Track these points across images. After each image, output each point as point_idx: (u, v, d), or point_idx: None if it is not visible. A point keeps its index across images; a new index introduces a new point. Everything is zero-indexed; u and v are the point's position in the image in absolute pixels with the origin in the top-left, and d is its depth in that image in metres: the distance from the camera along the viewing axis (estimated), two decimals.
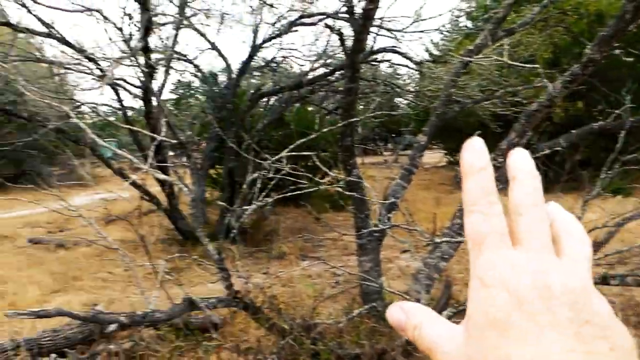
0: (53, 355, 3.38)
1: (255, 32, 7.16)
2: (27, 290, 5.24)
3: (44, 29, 5.61)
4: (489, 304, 0.31)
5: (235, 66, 7.60)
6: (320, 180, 5.86)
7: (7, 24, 5.32)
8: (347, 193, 3.43)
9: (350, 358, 3.00)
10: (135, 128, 4.61)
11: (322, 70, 6.62)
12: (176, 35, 6.98)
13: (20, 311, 2.70)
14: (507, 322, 0.30)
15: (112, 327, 2.93)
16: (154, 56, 6.06)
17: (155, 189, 7.53)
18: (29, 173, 18.11)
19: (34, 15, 5.48)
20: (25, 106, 6.77)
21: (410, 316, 0.36)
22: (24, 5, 5.24)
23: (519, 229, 0.34)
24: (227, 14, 7.40)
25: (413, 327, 0.35)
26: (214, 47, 7.78)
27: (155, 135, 3.71)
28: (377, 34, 5.60)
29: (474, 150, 0.35)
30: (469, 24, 9.75)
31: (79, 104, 7.47)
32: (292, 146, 2.95)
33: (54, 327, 3.63)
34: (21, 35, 5.90)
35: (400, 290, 3.68)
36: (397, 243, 7.27)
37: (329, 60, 6.64)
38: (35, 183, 17.20)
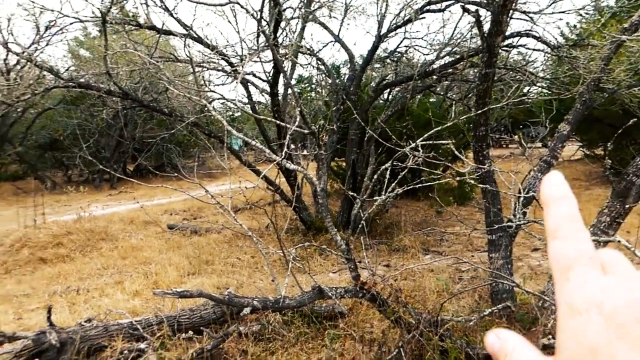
0: (190, 332, 3.62)
1: (381, 21, 7.08)
2: (167, 271, 5.70)
3: (183, 30, 6.05)
4: (583, 331, 0.28)
5: (358, 58, 7.58)
6: (443, 173, 5.64)
7: (152, 28, 5.82)
8: (479, 185, 3.23)
9: (481, 358, 2.83)
10: (268, 118, 4.78)
11: (448, 59, 6.34)
12: (303, 29, 7.16)
13: (167, 290, 2.91)
14: (607, 350, 0.27)
15: (246, 310, 3.05)
16: (281, 51, 6.25)
17: (278, 180, 7.79)
18: (167, 165, 19.87)
19: (176, 19, 5.93)
20: (165, 103, 7.39)
21: (503, 343, 0.34)
22: (167, 9, 5.68)
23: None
24: (351, 6, 7.42)
25: (504, 355, 0.34)
26: (337, 39, 7.85)
27: (288, 125, 3.79)
28: (511, 17, 5.18)
29: (553, 182, 0.36)
30: (612, 2, 8.76)
31: (212, 99, 7.97)
32: (427, 134, 2.83)
33: (191, 306, 3.89)
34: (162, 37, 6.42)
35: (536, 291, 3.41)
36: (526, 241, 6.81)
37: (455, 49, 6.35)
38: (173, 175, 18.68)
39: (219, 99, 9.25)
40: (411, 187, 3.41)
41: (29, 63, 5.86)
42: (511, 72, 6.51)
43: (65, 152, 18.29)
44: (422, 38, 9.04)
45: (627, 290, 0.29)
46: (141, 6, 5.47)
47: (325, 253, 6.41)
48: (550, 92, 6.61)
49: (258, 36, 6.32)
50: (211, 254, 6.57)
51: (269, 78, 6.63)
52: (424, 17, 6.37)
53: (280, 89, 7.13)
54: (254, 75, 7.75)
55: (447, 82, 8.11)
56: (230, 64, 6.55)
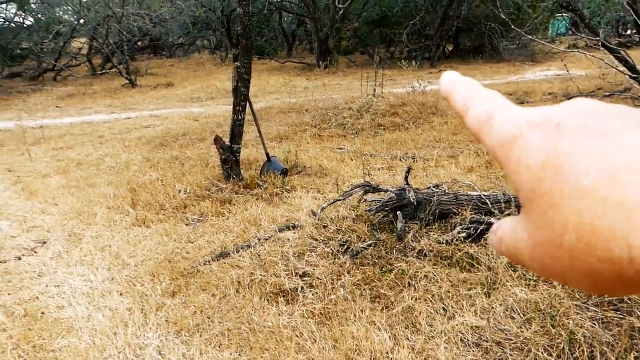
0: None
1: None
2: None
3: None
4: (527, 151, 0.25)
5: None
6: None
7: None
8: None
9: None
10: None
11: None
12: None
13: None
14: (560, 151, 0.24)
15: None
16: None
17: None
18: (487, 46, 19.03)
19: None
20: None
21: (497, 232, 0.29)
22: None
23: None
24: None
25: (500, 242, 0.29)
26: None
27: None
28: None
29: (448, 76, 0.33)
30: None
31: None
32: None
33: None
34: None
35: None
36: None
37: None
38: (492, 56, 17.79)
39: None
40: None
41: None
42: None
43: (392, 29, 19.23)
44: None
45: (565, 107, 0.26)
46: None
47: None
48: None
49: None
50: None
51: None
52: None
53: None
54: None
55: None
56: None
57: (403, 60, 11.98)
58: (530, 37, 10.96)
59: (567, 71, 7.54)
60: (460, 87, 0.32)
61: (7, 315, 2.81)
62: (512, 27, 7.86)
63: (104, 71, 17.58)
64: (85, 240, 3.80)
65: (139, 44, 24.72)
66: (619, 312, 2.42)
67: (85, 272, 3.30)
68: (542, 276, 0.27)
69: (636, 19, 6.59)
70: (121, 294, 3.01)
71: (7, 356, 2.44)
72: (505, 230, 0.29)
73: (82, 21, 17.72)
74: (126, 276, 3.22)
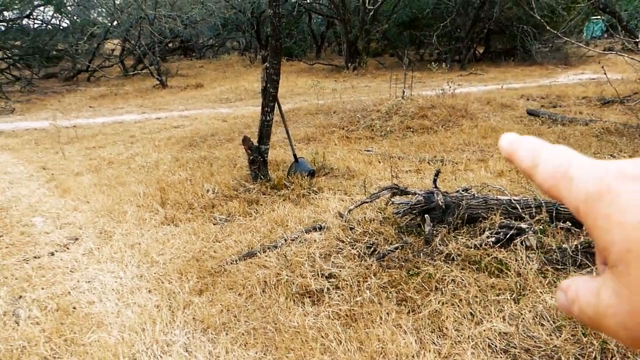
0: (568, 223, 3.39)
1: None
2: None
3: None
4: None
5: None
6: None
7: None
8: None
9: None
10: None
11: None
12: None
13: None
14: None
15: None
16: None
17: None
18: (519, 49, 18.69)
19: None
20: None
21: (568, 291, 0.28)
22: None
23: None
24: None
25: (572, 303, 0.27)
26: None
27: None
28: None
29: (508, 138, 0.31)
30: None
31: None
32: None
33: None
34: None
35: None
36: None
37: None
38: (524, 59, 17.54)
39: None
40: None
41: None
42: None
43: (422, 31, 19.08)
44: None
45: None
46: None
47: None
48: None
49: None
50: (578, 147, 5.96)
51: None
52: None
53: None
54: None
55: None
56: None
57: (432, 63, 11.87)
58: (566, 38, 10.75)
59: (604, 73, 7.33)
60: (524, 144, 0.31)
61: (40, 309, 2.88)
62: (547, 27, 7.67)
63: (136, 72, 17.95)
64: (115, 237, 3.88)
65: (170, 45, 25.15)
66: None
67: (115, 269, 3.37)
68: (632, 347, 0.25)
69: None
70: (149, 291, 3.06)
71: (39, 348, 2.50)
72: (582, 290, 0.27)
73: (115, 23, 18.12)
74: (154, 273, 3.27)
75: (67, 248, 3.74)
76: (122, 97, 13.34)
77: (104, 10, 19.40)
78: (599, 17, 21.28)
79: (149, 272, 3.29)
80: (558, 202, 3.54)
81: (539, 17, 7.93)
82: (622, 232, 0.23)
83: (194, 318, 2.74)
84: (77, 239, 3.90)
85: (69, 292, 3.07)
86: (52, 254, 3.64)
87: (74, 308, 2.89)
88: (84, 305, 2.92)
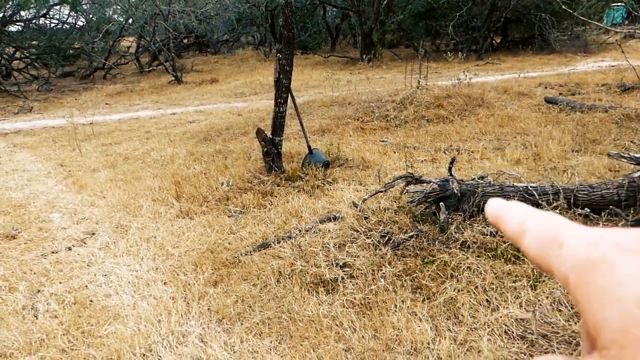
0: (586, 209, 3.32)
1: None
2: (548, 145, 5.37)
3: None
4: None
5: None
6: None
7: None
8: None
9: None
10: None
11: None
12: None
13: (623, 153, 2.74)
14: None
15: None
16: None
17: None
18: (537, 37, 18.36)
19: None
20: None
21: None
22: None
23: None
24: None
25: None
26: None
27: None
28: None
29: (494, 203, 0.30)
30: None
31: None
32: None
33: (592, 182, 3.54)
34: None
35: None
36: None
37: None
38: (542, 47, 17.21)
39: None
40: None
41: None
42: None
43: (437, 21, 18.87)
44: None
45: None
46: None
47: None
48: None
49: None
50: (598, 133, 5.84)
51: None
52: None
53: None
54: None
55: None
56: None
57: (448, 53, 11.73)
58: (584, 19, 10.52)
59: (626, 59, 7.15)
60: (512, 209, 0.29)
61: (58, 303, 2.92)
62: (568, 11, 7.48)
63: (151, 68, 18.08)
64: (131, 231, 3.91)
65: (185, 41, 25.27)
66: None
67: (131, 262, 3.39)
68: None
69: None
70: (165, 283, 3.08)
71: (57, 341, 2.53)
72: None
73: (130, 20, 18.26)
74: (170, 266, 3.29)
75: (84, 243, 3.78)
76: (137, 93, 13.45)
77: (118, 7, 19.54)
78: (619, 3, 20.82)
79: (165, 265, 3.31)
80: (577, 188, 3.47)
81: (559, 2, 7.73)
82: (619, 309, 0.20)
83: (209, 309, 2.75)
84: (93, 234, 3.94)
85: (86, 286, 3.11)
86: (70, 248, 3.68)
87: (91, 301, 2.92)
88: (101, 298, 2.95)
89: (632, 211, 3.27)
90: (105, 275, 3.26)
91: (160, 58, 17.13)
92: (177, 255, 3.44)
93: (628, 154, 2.91)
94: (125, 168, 5.80)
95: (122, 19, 19.09)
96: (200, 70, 18.08)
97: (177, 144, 6.95)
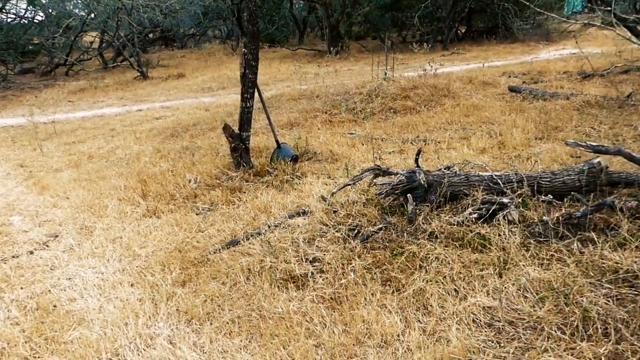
0: (549, 196, 3.39)
1: None
2: (512, 133, 5.47)
3: None
4: None
5: None
6: None
7: None
8: None
9: None
10: None
11: None
12: None
13: (580, 142, 2.81)
14: None
15: None
16: None
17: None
18: (500, 27, 18.64)
19: None
20: None
21: None
22: None
23: None
24: None
25: None
26: None
27: None
28: None
29: None
30: None
31: None
32: None
33: (554, 169, 3.62)
34: None
35: None
36: None
37: None
38: (506, 37, 17.48)
39: None
40: None
41: None
42: None
43: (403, 13, 18.95)
44: None
45: None
46: None
47: None
48: None
49: None
50: (560, 120, 5.98)
51: None
52: None
53: None
54: None
55: None
56: None
57: (414, 44, 11.80)
58: (542, 11, 10.72)
59: (579, 48, 7.33)
60: None
61: (19, 309, 2.83)
62: (525, 7, 7.59)
63: (115, 64, 17.66)
64: (96, 232, 3.82)
65: (150, 35, 24.75)
66: (634, 289, 2.35)
67: (97, 264, 3.32)
68: None
69: None
70: (132, 285, 3.02)
71: (19, 349, 2.46)
72: None
73: (92, 15, 17.76)
74: (137, 267, 3.22)
75: (47, 246, 3.68)
76: (102, 90, 13.13)
77: (79, 2, 19.01)
78: None
79: (131, 266, 3.24)
80: (540, 175, 3.54)
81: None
82: None
83: (177, 309, 2.71)
84: (57, 236, 3.83)
85: (49, 291, 3.02)
86: (31, 252, 3.57)
87: (55, 306, 2.84)
88: (65, 302, 2.87)
89: (592, 197, 3.36)
90: (70, 278, 3.17)
91: (125, 53, 16.74)
92: (144, 255, 3.38)
93: (585, 142, 2.98)
94: (90, 167, 5.66)
95: (83, 14, 18.54)
96: (166, 65, 17.76)
97: (143, 141, 6.81)
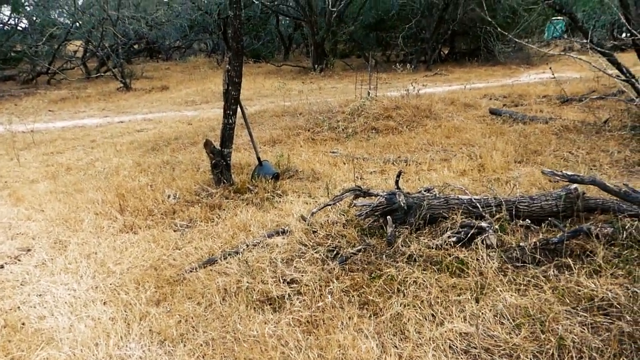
0: (527, 221, 3.42)
1: None
2: (492, 155, 5.53)
3: None
4: None
5: None
6: None
7: None
8: None
9: None
10: None
11: None
12: None
13: (556, 171, 2.84)
14: None
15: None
16: None
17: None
18: (482, 49, 19.00)
19: None
20: None
21: None
22: None
23: None
24: None
25: None
26: None
27: None
28: None
29: None
30: None
31: None
32: None
33: (532, 194, 3.66)
34: None
35: None
36: None
37: None
38: (488, 59, 17.80)
39: None
40: None
41: None
42: None
43: (388, 32, 19.22)
44: None
45: None
46: None
47: None
48: None
49: None
50: (539, 144, 6.08)
51: None
52: None
53: None
54: None
55: None
56: None
57: (397, 64, 11.95)
58: (518, 40, 10.95)
59: (553, 75, 7.54)
60: None
61: None
62: (503, 33, 7.74)
63: (99, 74, 17.52)
64: (70, 247, 3.74)
65: (135, 46, 24.67)
66: (609, 317, 2.37)
67: (69, 281, 3.24)
68: None
69: (625, 22, 6.57)
70: (104, 303, 2.95)
71: None
72: None
73: (77, 24, 17.64)
74: (110, 284, 3.15)
75: (18, 260, 3.58)
76: (83, 100, 12.98)
77: (64, 10, 18.88)
78: (560, 17, 21.85)
79: (105, 283, 3.17)
80: (518, 200, 3.58)
81: (492, 23, 8.01)
82: None
83: (150, 330, 2.65)
84: (29, 250, 3.74)
85: (19, 307, 2.93)
86: (2, 266, 3.48)
87: (23, 324, 2.75)
88: (34, 320, 2.78)
89: (569, 222, 3.41)
90: (40, 295, 3.09)
91: (109, 64, 16.61)
92: (119, 272, 3.31)
93: (561, 171, 3.03)
94: (67, 179, 5.56)
95: (68, 22, 18.41)
96: (150, 77, 17.68)
97: (124, 154, 6.73)
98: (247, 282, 2.98)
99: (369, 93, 8.30)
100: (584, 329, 2.31)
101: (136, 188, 4.91)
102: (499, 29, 16.09)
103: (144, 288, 3.06)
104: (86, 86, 15.82)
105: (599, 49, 6.38)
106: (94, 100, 12.92)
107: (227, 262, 3.28)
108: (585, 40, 5.69)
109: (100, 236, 3.93)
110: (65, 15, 19.32)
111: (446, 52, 21.77)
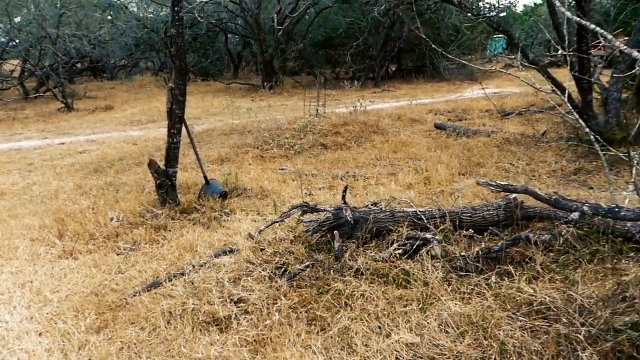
0: (470, 230, 3.52)
1: None
2: (437, 169, 5.68)
3: None
4: None
5: None
6: None
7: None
8: None
9: None
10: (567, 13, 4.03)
11: None
12: None
13: (490, 182, 2.92)
14: None
15: (574, 215, 2.81)
16: None
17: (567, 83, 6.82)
18: (428, 66, 19.61)
19: None
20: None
21: None
22: None
23: None
24: None
25: None
26: None
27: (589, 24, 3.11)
28: None
29: None
30: None
31: None
32: None
33: (474, 205, 3.76)
34: None
35: None
36: None
37: None
38: (433, 75, 18.35)
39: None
40: None
41: None
42: None
43: (336, 50, 19.53)
44: None
45: None
46: None
47: (618, 167, 5.53)
48: None
49: None
50: (481, 157, 6.29)
51: None
52: None
53: None
54: None
55: None
56: None
57: (345, 81, 12.14)
58: (458, 60, 11.42)
59: (484, 90, 7.86)
60: None
61: None
62: (444, 53, 8.01)
63: (37, 94, 16.86)
64: (3, 276, 3.53)
65: (78, 65, 23.95)
66: (547, 320, 2.45)
67: (1, 312, 3.05)
68: None
69: (559, 40, 6.94)
70: (40, 334, 2.79)
71: None
72: None
73: (13, 42, 16.96)
74: (47, 314, 3.00)
75: None
76: (21, 121, 12.44)
77: (0, 28, 18.14)
78: (500, 35, 22.89)
79: (41, 313, 3.01)
80: (461, 210, 3.67)
81: (431, 43, 8.30)
82: None
83: (89, 359, 2.53)
84: None
85: None
86: None
87: None
88: None
89: (509, 231, 3.53)
90: None
91: (49, 83, 16.02)
92: (57, 300, 3.15)
93: (495, 182, 3.14)
94: (1, 205, 5.28)
95: (3, 40, 17.67)
96: (94, 96, 17.17)
97: (64, 176, 6.47)
98: (193, 303, 2.90)
99: (317, 109, 8.36)
100: (523, 333, 2.38)
101: (77, 212, 4.72)
102: (445, 46, 16.72)
103: (84, 315, 2.93)
104: (24, 107, 15.19)
105: (532, 65, 6.70)
106: (32, 122, 12.41)
107: (172, 284, 3.18)
108: (519, 57, 5.97)
109: (36, 263, 3.74)
110: (0, 32, 18.55)
111: (393, 69, 22.31)
